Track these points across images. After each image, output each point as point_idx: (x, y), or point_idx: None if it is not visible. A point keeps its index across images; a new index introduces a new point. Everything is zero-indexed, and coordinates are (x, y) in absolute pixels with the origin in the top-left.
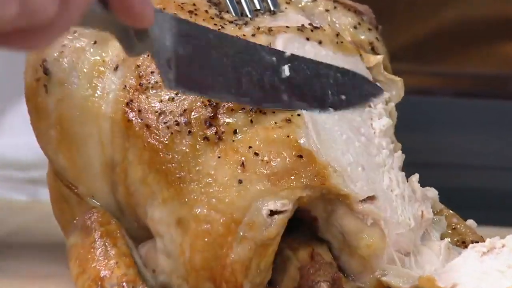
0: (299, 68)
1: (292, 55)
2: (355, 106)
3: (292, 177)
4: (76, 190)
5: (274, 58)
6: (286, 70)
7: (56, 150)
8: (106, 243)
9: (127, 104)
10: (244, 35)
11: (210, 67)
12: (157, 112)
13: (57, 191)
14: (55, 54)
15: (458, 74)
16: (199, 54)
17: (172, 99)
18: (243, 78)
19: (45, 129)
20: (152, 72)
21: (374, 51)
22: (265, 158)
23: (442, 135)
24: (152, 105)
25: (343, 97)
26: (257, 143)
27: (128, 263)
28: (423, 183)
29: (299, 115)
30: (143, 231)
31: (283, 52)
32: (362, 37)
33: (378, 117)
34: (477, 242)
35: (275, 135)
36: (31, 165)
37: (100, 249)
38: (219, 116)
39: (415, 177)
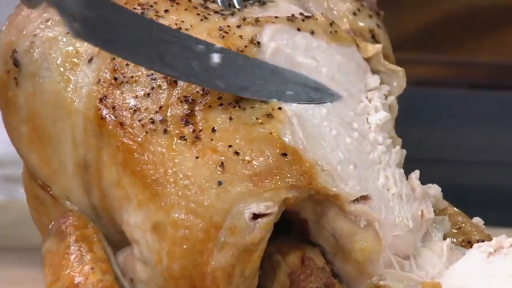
0: (230, 59)
1: (222, 48)
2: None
3: (276, 177)
4: (50, 191)
5: (202, 46)
6: (215, 58)
7: (28, 147)
8: (81, 248)
9: (100, 100)
10: (228, 26)
11: (125, 28)
12: (131, 109)
13: (32, 191)
14: (26, 44)
15: (470, 64)
16: (111, 17)
17: (147, 95)
18: (166, 54)
19: (16, 124)
20: (127, 65)
21: (375, 39)
22: (247, 158)
23: (449, 129)
24: (127, 101)
25: (290, 92)
26: (238, 141)
27: (104, 269)
28: (427, 180)
29: (280, 108)
30: (121, 237)
31: (213, 44)
32: (362, 24)
33: (375, 111)
34: (483, 241)
35: (256, 132)
36: (6, 161)
37: (74, 254)
38: (196, 113)
39: (415, 174)
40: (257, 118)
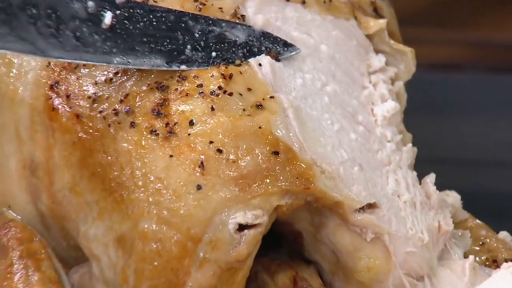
0: (133, 18)
1: (129, 1)
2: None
3: (267, 181)
4: None
5: (91, 3)
6: (107, 18)
7: None
8: (27, 266)
9: (51, 87)
10: None
11: None
12: (90, 97)
13: None
14: None
15: (494, 43)
16: None
17: (110, 80)
18: (24, 22)
19: None
20: None
21: (377, 13)
22: (231, 157)
23: (469, 122)
24: (84, 88)
25: (214, 53)
26: (220, 136)
27: None
28: (442, 185)
29: (272, 97)
30: (75, 252)
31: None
32: None
33: (381, 100)
34: None
35: (243, 126)
36: None
37: (19, 273)
38: (170, 102)
39: (430, 178)
40: (244, 109)
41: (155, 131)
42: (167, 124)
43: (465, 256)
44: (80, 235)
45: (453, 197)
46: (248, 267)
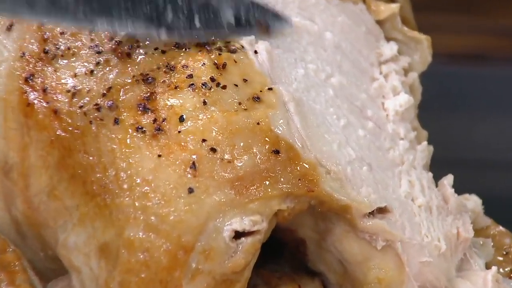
0: None
1: None
2: (219, 35)
3: (266, 182)
4: None
5: None
6: None
7: None
8: (0, 281)
9: (26, 80)
10: None
11: None
12: (69, 91)
13: None
14: None
15: None
16: None
17: (91, 72)
18: None
19: None
20: (62, 33)
21: None
22: (226, 156)
23: (492, 120)
24: (63, 81)
25: (197, 22)
26: (214, 134)
27: None
28: (461, 189)
29: (270, 89)
30: (54, 264)
31: None
32: None
33: (393, 93)
34: None
35: (239, 122)
36: None
37: None
38: (157, 96)
39: (448, 180)
40: (240, 103)
41: (142, 128)
42: (154, 120)
43: (487, 267)
44: (59, 244)
45: (473, 202)
46: (245, 279)
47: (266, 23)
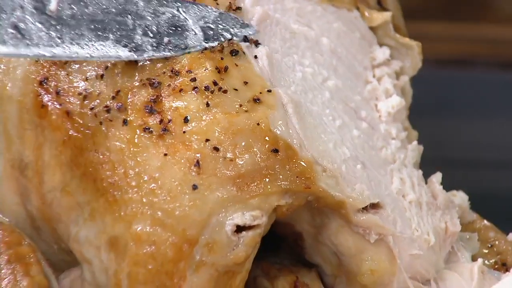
0: (81, 1)
1: None
2: (182, 50)
3: (266, 180)
4: None
5: None
6: (52, 3)
7: None
8: (16, 271)
9: (40, 83)
10: None
11: None
12: (81, 94)
13: None
14: None
15: (506, 39)
16: None
17: (101, 77)
18: None
19: None
20: None
21: (381, 6)
22: (228, 155)
23: (478, 122)
24: (75, 84)
25: (166, 39)
26: (217, 134)
27: None
28: (448, 186)
29: (270, 91)
30: (66, 256)
31: None
32: None
33: (385, 95)
34: None
35: (240, 123)
36: None
37: (7, 279)
38: (163, 98)
39: (437, 178)
40: (241, 105)
41: (149, 128)
42: (160, 121)
43: (473, 259)
44: (71, 238)
45: (460, 198)
46: (246, 271)
47: (234, 34)
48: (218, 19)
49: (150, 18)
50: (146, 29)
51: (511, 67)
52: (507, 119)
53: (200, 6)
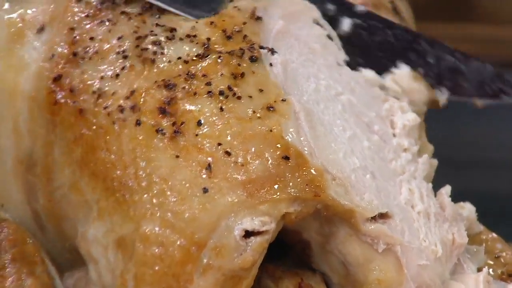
0: (370, 29)
1: (369, 13)
2: None
3: (276, 186)
4: None
5: (331, 6)
6: (345, 25)
7: None
8: (20, 270)
9: (54, 80)
10: None
11: None
12: (95, 92)
13: None
14: None
15: (502, 39)
16: None
17: (116, 76)
18: None
19: None
20: (92, 38)
21: (396, 12)
22: (240, 160)
23: (475, 122)
24: (89, 82)
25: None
26: (229, 138)
27: None
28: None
29: (284, 100)
30: (71, 255)
31: None
32: None
33: (401, 111)
34: None
35: (253, 129)
36: None
37: (11, 278)
38: (177, 101)
39: (446, 190)
40: (254, 111)
41: (162, 130)
42: (174, 123)
43: (479, 271)
44: (79, 236)
45: (468, 210)
46: (252, 276)
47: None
48: (495, 76)
49: (432, 60)
50: (428, 68)
51: (507, 67)
52: (502, 119)
53: (477, 61)
